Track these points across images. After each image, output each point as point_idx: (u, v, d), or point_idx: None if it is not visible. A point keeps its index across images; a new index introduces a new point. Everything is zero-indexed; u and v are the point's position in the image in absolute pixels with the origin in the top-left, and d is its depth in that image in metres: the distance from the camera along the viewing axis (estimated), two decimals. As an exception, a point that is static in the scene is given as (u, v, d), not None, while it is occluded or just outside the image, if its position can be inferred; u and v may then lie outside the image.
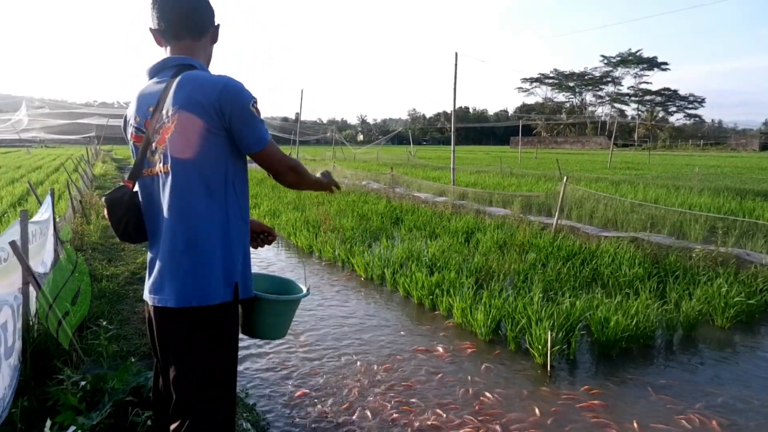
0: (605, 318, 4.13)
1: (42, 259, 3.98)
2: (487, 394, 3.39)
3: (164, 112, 1.52)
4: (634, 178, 16.84)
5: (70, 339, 3.16)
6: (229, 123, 1.52)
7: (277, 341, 4.09)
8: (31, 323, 3.28)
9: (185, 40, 1.62)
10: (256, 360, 3.88)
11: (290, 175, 1.69)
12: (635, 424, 3.03)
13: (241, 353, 3.86)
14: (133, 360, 2.73)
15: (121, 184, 1.62)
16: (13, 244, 3.03)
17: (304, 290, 1.87)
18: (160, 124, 1.53)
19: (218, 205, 1.55)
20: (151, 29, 1.63)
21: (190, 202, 1.52)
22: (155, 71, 1.62)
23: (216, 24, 1.71)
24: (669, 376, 3.73)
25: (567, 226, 8.02)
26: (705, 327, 4.68)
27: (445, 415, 3.11)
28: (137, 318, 4.14)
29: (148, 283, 1.62)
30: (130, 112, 1.65)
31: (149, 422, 1.86)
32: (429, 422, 3.03)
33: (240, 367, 3.69)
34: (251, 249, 1.75)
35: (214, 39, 1.73)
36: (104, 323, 3.44)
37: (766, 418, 3.15)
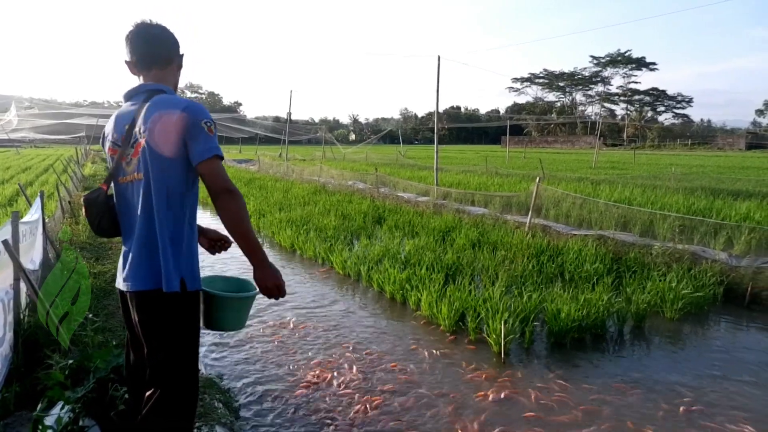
0: (558, 309, 4.46)
1: (31, 257, 4.24)
2: (441, 374, 3.71)
3: (137, 129, 1.83)
4: (616, 178, 17.23)
5: (64, 335, 3.41)
6: (185, 137, 1.78)
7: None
8: (21, 316, 3.55)
9: (154, 70, 1.93)
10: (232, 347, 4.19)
11: (225, 198, 1.77)
12: (567, 396, 3.37)
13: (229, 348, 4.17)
14: (114, 343, 3.02)
15: (98, 186, 1.94)
16: (5, 242, 3.29)
17: (257, 289, 2.10)
18: (134, 139, 1.84)
19: (173, 211, 1.84)
20: (125, 61, 1.94)
21: (154, 205, 1.82)
22: (130, 96, 1.93)
23: (180, 54, 2.02)
24: (613, 361, 4.09)
25: (540, 224, 8.36)
26: (655, 318, 5.03)
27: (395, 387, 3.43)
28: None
29: (121, 273, 1.92)
30: (108, 129, 1.96)
31: (126, 396, 2.15)
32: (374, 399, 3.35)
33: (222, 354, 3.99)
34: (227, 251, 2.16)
35: (179, 66, 2.03)
36: (90, 316, 3.71)
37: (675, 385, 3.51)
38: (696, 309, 5.17)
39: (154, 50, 1.91)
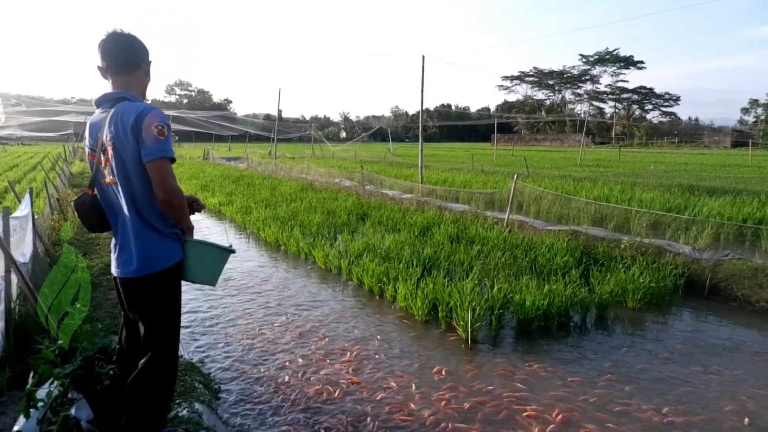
0: (524, 299, 4.73)
1: (22, 251, 4.43)
2: (412, 359, 3.97)
3: (104, 137, 2.06)
4: (598, 175, 17.58)
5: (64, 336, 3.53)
6: (138, 141, 1.97)
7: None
8: (12, 306, 3.75)
9: (122, 75, 2.13)
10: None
11: (170, 197, 2.00)
12: (526, 368, 3.65)
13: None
14: (99, 326, 3.23)
15: (84, 191, 2.19)
16: (-4, 236, 3.49)
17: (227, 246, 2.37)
18: (104, 146, 2.07)
19: (144, 210, 2.07)
20: (98, 66, 2.15)
21: (133, 204, 2.07)
22: (99, 103, 2.15)
23: (149, 61, 2.22)
24: (570, 346, 4.37)
25: (517, 220, 8.64)
26: (618, 307, 5.32)
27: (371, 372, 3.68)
28: (110, 304, 4.63)
29: (114, 261, 2.19)
30: (86, 135, 2.19)
31: (111, 372, 2.37)
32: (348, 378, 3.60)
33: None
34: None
35: (147, 73, 2.23)
36: (78, 306, 3.91)
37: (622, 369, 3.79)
38: (657, 299, 5.46)
39: (123, 57, 2.11)
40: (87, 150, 2.18)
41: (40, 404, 2.30)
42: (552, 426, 3.12)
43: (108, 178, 2.09)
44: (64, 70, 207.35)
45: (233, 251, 2.32)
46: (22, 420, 2.31)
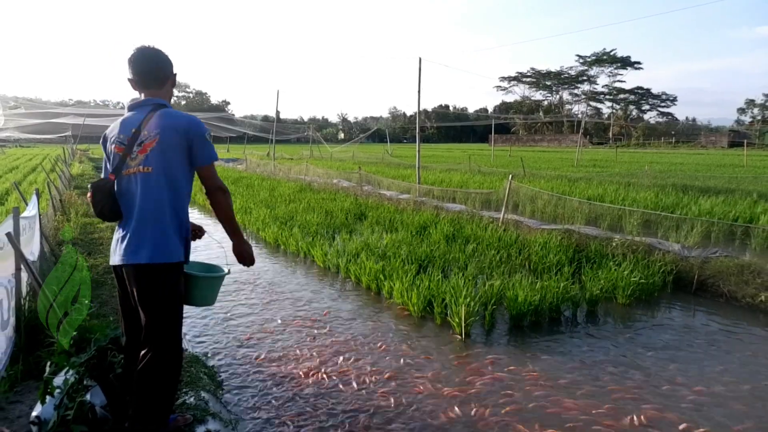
0: (516, 295, 4.88)
1: (31, 250, 4.58)
2: (410, 355, 4.13)
3: (146, 132, 2.25)
4: (593, 176, 17.76)
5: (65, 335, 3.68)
6: (191, 144, 2.27)
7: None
8: (22, 303, 3.89)
9: (152, 88, 2.37)
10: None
11: (218, 194, 2.35)
12: (513, 360, 3.81)
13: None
14: (111, 319, 3.38)
15: (104, 176, 2.34)
16: (8, 235, 3.64)
17: (226, 271, 2.68)
18: (142, 139, 2.26)
19: (177, 198, 2.30)
20: (128, 79, 2.35)
21: (160, 193, 2.26)
22: (134, 107, 2.35)
23: (174, 73, 2.44)
24: (559, 340, 4.53)
25: (513, 220, 8.80)
26: (608, 303, 5.49)
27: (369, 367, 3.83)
28: (115, 300, 4.76)
29: (119, 251, 2.29)
30: (114, 131, 2.36)
31: (122, 361, 2.53)
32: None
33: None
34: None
35: (173, 84, 2.48)
36: (86, 302, 4.06)
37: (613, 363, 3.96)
38: (646, 295, 5.63)
39: (153, 71, 2.34)
40: (114, 143, 2.32)
41: (56, 391, 2.45)
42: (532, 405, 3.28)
43: (135, 168, 2.26)
44: (62, 72, 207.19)
45: (229, 273, 2.68)
46: (39, 406, 2.46)
